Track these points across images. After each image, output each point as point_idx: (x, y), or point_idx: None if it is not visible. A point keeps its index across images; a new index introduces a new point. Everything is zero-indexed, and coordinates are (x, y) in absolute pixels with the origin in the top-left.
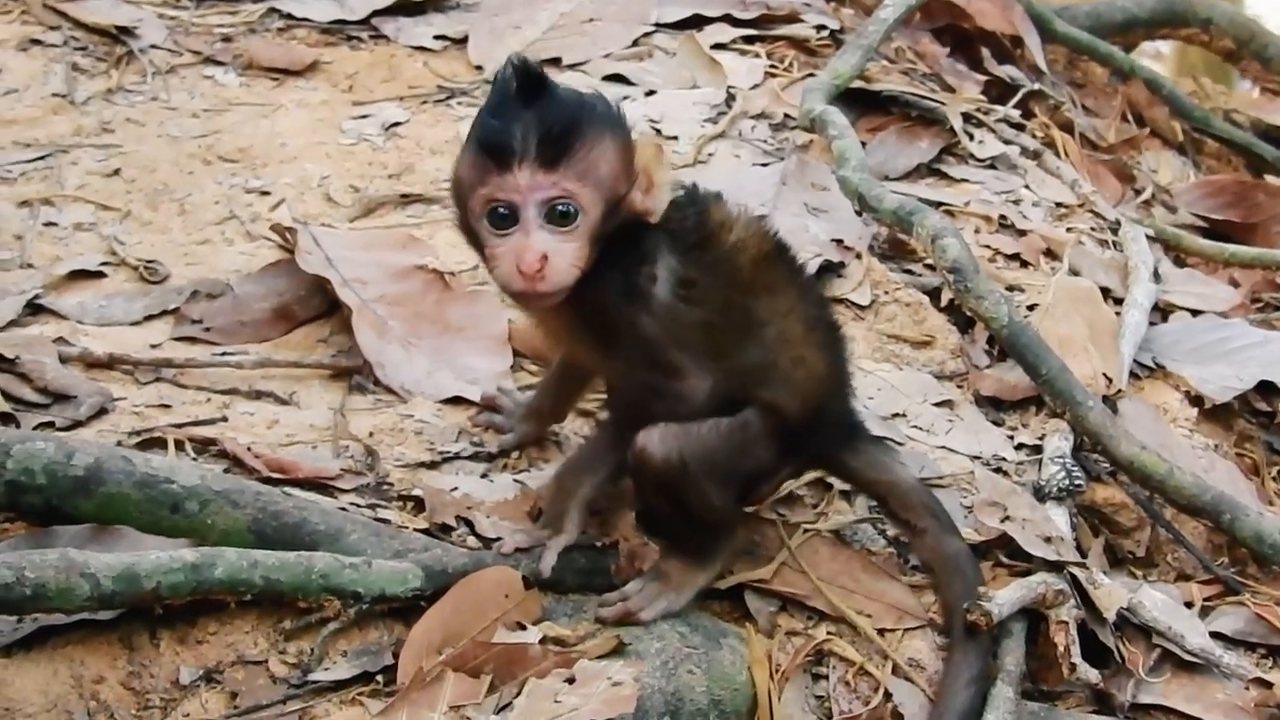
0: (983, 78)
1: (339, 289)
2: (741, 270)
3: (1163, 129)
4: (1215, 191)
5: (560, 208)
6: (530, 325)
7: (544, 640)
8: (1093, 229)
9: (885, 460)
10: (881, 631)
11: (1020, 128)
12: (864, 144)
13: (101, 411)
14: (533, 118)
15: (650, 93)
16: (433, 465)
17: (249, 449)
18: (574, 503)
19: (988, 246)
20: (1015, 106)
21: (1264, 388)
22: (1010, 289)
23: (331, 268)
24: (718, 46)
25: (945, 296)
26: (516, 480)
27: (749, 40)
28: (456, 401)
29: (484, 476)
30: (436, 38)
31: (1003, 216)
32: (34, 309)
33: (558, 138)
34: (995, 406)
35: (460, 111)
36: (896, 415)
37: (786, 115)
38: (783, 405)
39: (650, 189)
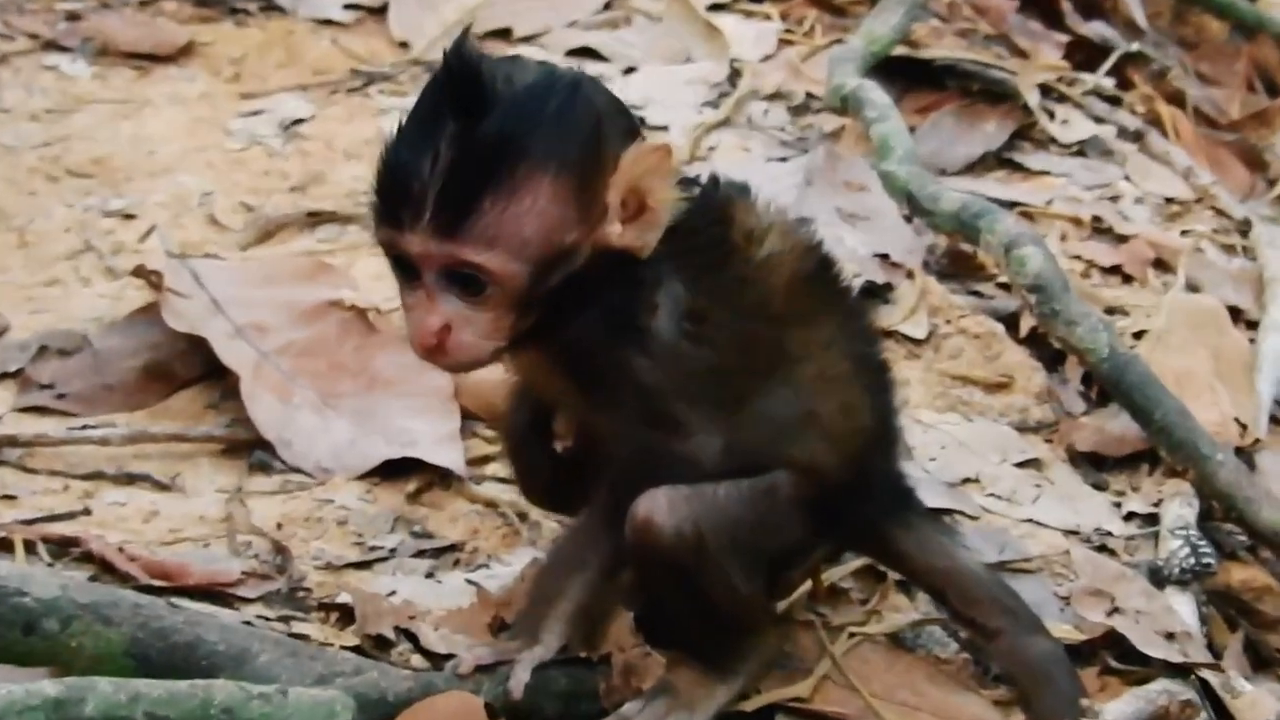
0: (1064, 38)
1: (224, 346)
2: (773, 295)
3: None
4: None
5: (464, 274)
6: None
7: None
8: (1215, 231)
9: (943, 541)
10: None
11: (1116, 102)
12: (911, 128)
13: None
14: (447, 152)
15: (629, 70)
16: (362, 564)
17: (120, 550)
18: (555, 610)
19: (1079, 257)
20: (1108, 75)
21: None
22: (1110, 311)
23: (219, 313)
24: (716, 7)
25: (1026, 324)
26: (470, 581)
27: None
28: (391, 476)
29: (429, 576)
30: (347, 8)
31: (1097, 218)
32: None
33: (462, 192)
34: (1095, 465)
35: (382, 102)
36: (967, 480)
37: (810, 94)
38: (819, 464)
39: (641, 215)
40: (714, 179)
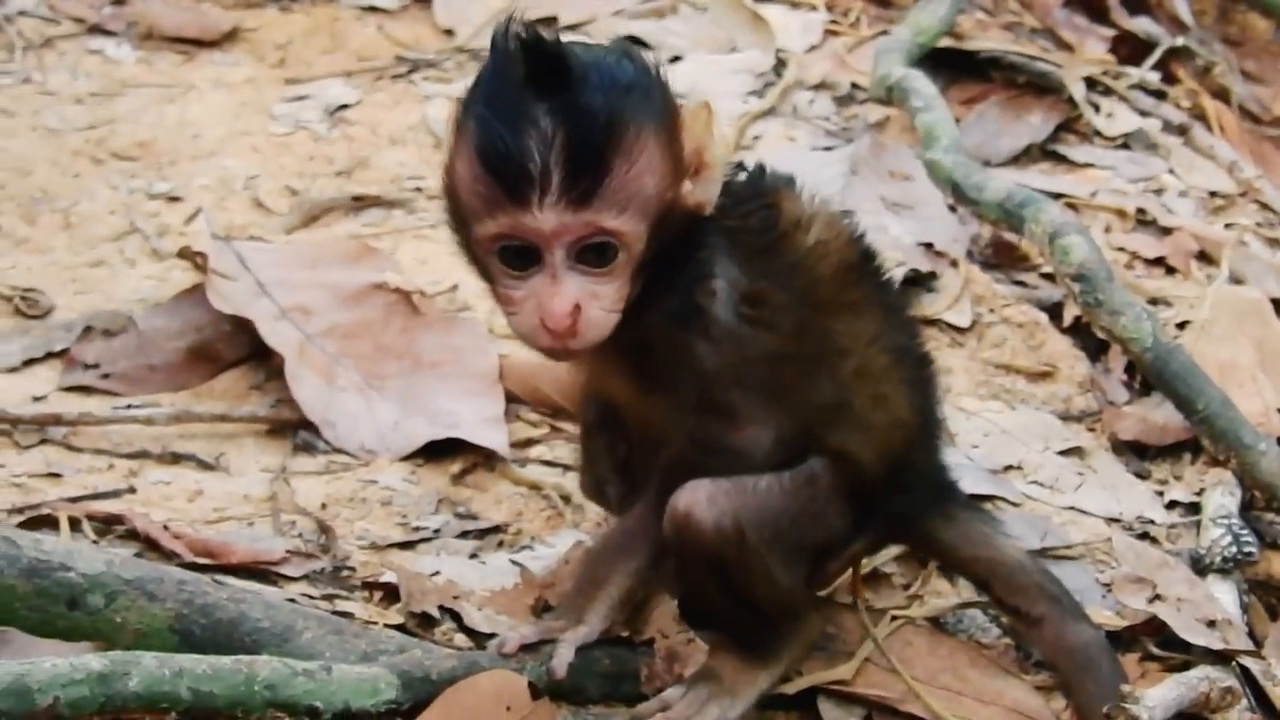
0: (1110, 33)
1: (269, 328)
2: (821, 282)
3: None
4: None
5: (597, 243)
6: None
7: None
8: (1259, 225)
9: (986, 531)
10: None
11: (1161, 96)
12: (957, 120)
13: None
14: (554, 126)
15: (675, 59)
16: (406, 544)
17: (165, 528)
18: (602, 594)
19: (1123, 249)
20: (1153, 69)
21: None
22: (1154, 302)
23: (264, 295)
24: None
25: (1069, 314)
26: (514, 562)
27: None
28: (435, 458)
29: (473, 557)
30: None
31: (1141, 210)
32: None
33: (592, 160)
34: (1138, 454)
35: (427, 89)
36: (1010, 468)
37: (855, 85)
38: (856, 454)
39: (700, 173)
40: (760, 166)
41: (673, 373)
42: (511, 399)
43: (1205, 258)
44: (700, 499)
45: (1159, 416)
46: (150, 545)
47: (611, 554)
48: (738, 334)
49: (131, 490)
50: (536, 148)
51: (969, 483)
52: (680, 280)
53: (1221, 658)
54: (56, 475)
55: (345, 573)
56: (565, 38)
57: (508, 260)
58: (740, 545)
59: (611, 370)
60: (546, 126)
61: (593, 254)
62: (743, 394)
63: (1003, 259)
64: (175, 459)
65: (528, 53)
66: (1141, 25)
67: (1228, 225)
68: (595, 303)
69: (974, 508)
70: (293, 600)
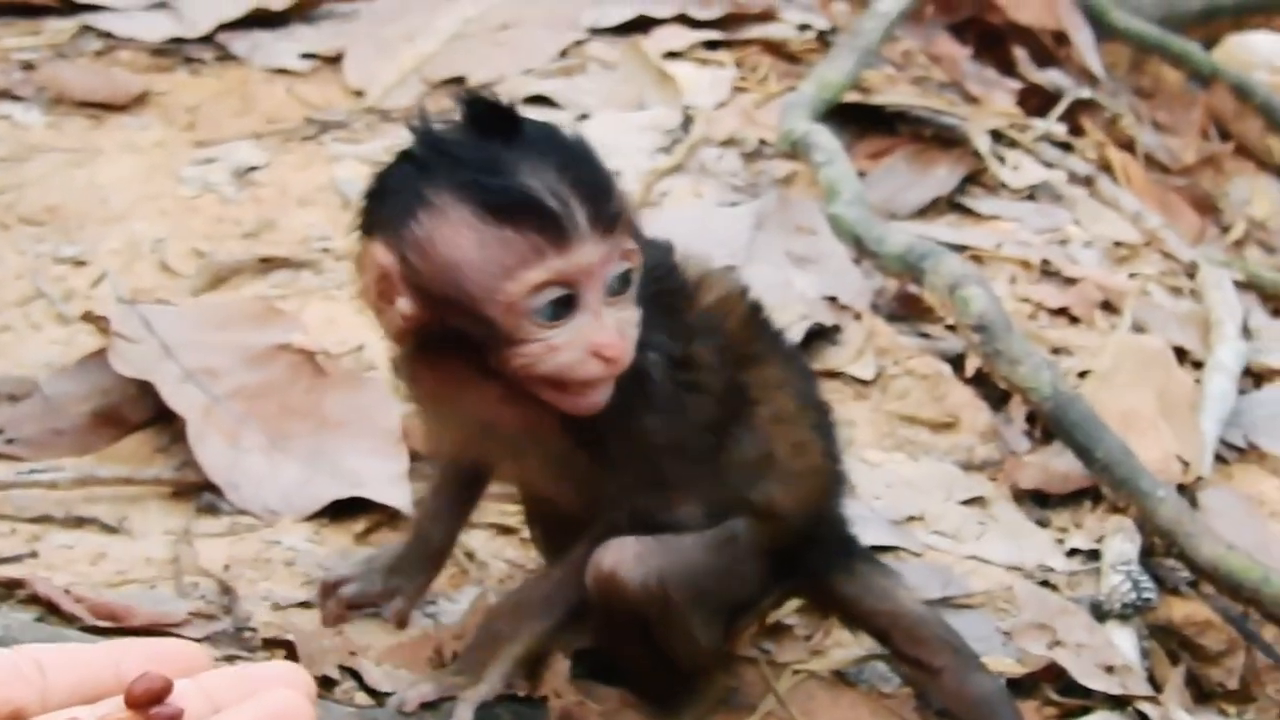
0: (1017, 85)
1: (173, 390)
2: (730, 338)
3: (1256, 148)
4: None
5: (625, 270)
6: (436, 424)
7: None
8: (1163, 274)
9: (886, 584)
10: None
11: (1067, 148)
12: (863, 173)
13: None
14: (550, 164)
15: (583, 116)
16: (309, 604)
17: (67, 591)
18: (504, 651)
19: (1027, 299)
20: (1060, 121)
21: None
22: (1056, 352)
23: (169, 358)
24: (671, 55)
25: (971, 365)
26: (425, 614)
27: (711, 46)
28: (339, 517)
29: (377, 615)
30: (303, 56)
31: (1045, 261)
32: None
33: (602, 186)
34: (1039, 503)
35: (336, 150)
36: (912, 519)
37: (762, 140)
38: (779, 507)
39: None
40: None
41: (618, 448)
42: (415, 458)
43: (1109, 307)
44: (626, 557)
45: (1060, 465)
46: (51, 609)
47: (519, 613)
48: (677, 401)
49: (34, 555)
50: (554, 191)
51: (872, 534)
52: None
53: (1120, 703)
54: None
55: (247, 633)
56: None
57: (548, 312)
58: (664, 604)
59: (541, 450)
60: (544, 167)
61: (620, 283)
62: (682, 465)
63: (907, 311)
64: (79, 522)
65: (477, 110)
66: (1050, 78)
67: (1131, 275)
68: (629, 325)
69: (874, 560)
70: None
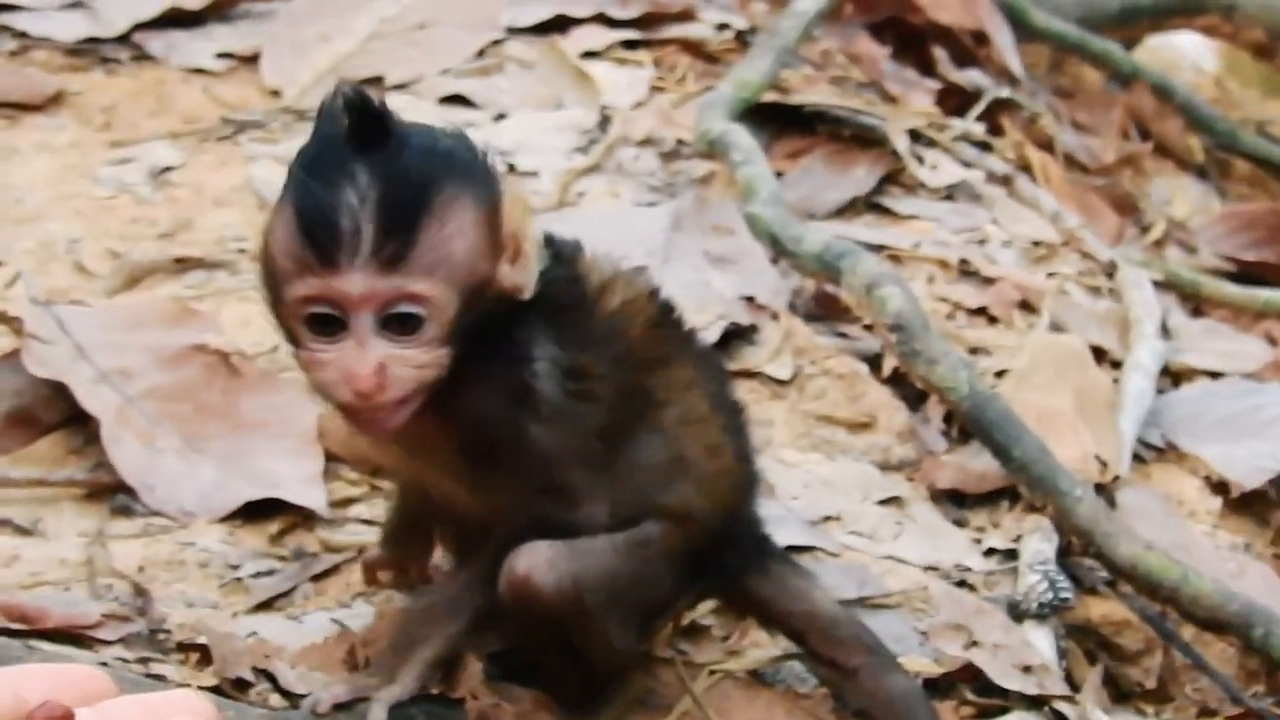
0: (936, 85)
1: (87, 391)
2: (634, 342)
3: (1176, 147)
4: (1246, 225)
5: (403, 312)
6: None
7: None
8: (1081, 274)
9: (801, 584)
10: None
11: (986, 148)
12: (781, 173)
13: None
14: (369, 185)
15: (500, 117)
16: (223, 606)
17: None
18: (418, 653)
19: (944, 299)
20: (979, 120)
21: None
22: (973, 351)
23: (83, 359)
24: (588, 55)
25: (889, 364)
26: (334, 620)
27: (629, 45)
28: (254, 518)
29: (292, 617)
30: (219, 56)
31: (964, 261)
32: None
33: (403, 221)
34: (956, 503)
35: (252, 150)
36: (829, 518)
37: (679, 140)
38: (692, 511)
39: (518, 259)
40: (550, 238)
41: (508, 458)
42: (331, 458)
43: (1027, 307)
44: (539, 562)
45: (977, 465)
46: None
47: (431, 614)
48: (567, 411)
49: None
50: (347, 208)
51: (788, 534)
52: (502, 364)
53: (1037, 703)
54: None
55: (161, 636)
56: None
57: (314, 327)
58: (579, 607)
59: (436, 459)
60: (358, 186)
61: (399, 322)
62: (578, 472)
63: (825, 311)
64: None
65: (351, 113)
66: (969, 78)
67: (1050, 274)
68: (402, 363)
69: (789, 561)
70: (106, 664)
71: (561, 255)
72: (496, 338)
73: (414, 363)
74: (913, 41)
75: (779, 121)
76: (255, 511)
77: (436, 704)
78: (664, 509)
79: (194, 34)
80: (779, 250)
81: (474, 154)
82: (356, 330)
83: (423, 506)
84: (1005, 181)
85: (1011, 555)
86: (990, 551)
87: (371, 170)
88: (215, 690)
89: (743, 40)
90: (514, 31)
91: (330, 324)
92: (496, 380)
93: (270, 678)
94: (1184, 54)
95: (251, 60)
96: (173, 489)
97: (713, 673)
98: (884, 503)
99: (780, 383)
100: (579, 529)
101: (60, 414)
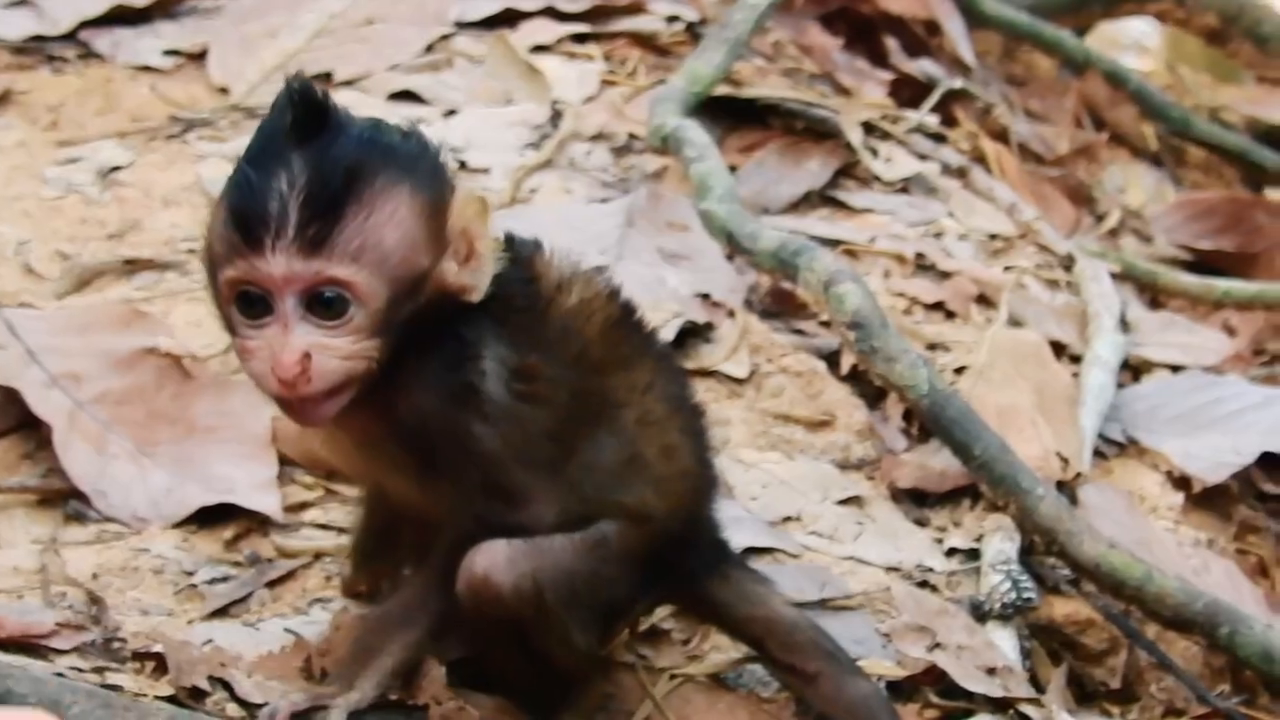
0: (889, 76)
1: (38, 396)
2: (591, 343)
3: (1130, 135)
4: (1202, 213)
5: (326, 296)
6: (313, 435)
7: None
8: (1039, 267)
9: (759, 589)
10: None
11: (940, 139)
12: (735, 168)
13: None
14: (300, 172)
15: (450, 113)
16: (178, 613)
17: None
18: (377, 661)
19: (902, 294)
20: (933, 112)
21: (1270, 461)
22: (931, 348)
23: (33, 363)
24: (538, 49)
25: (847, 362)
26: (289, 630)
27: (579, 39)
28: (208, 524)
29: (247, 624)
30: (167, 53)
31: (920, 255)
32: None
33: (325, 206)
34: (917, 502)
35: (201, 148)
36: (789, 519)
37: (631, 135)
38: (650, 511)
39: (470, 260)
40: (509, 237)
41: (451, 456)
42: (285, 462)
43: (985, 301)
44: (499, 561)
45: (937, 463)
46: None
47: (387, 623)
48: (513, 412)
49: None
50: (274, 193)
51: (748, 536)
52: (448, 362)
53: (1002, 705)
54: None
55: (116, 644)
56: (341, 94)
57: (244, 309)
58: (539, 605)
59: (386, 458)
60: (290, 172)
61: (323, 306)
62: (523, 472)
63: (781, 308)
64: None
65: (293, 105)
66: (922, 68)
67: (1007, 268)
68: (327, 353)
69: (745, 566)
70: (61, 674)
71: (519, 255)
72: (445, 335)
73: (340, 352)
74: (864, 31)
75: (732, 115)
76: (209, 517)
77: (396, 711)
78: (621, 509)
79: (140, 31)
80: (734, 247)
81: (421, 149)
82: (281, 314)
83: (388, 519)
84: (960, 174)
85: (974, 555)
86: (952, 551)
87: (305, 158)
88: (171, 700)
89: (693, 32)
90: (462, 26)
91: (258, 307)
92: (442, 378)
93: (227, 686)
94: (1133, 39)
95: (199, 58)
96: (125, 495)
97: (674, 677)
98: (844, 502)
99: (737, 381)
100: (524, 529)
101: (11, 419)
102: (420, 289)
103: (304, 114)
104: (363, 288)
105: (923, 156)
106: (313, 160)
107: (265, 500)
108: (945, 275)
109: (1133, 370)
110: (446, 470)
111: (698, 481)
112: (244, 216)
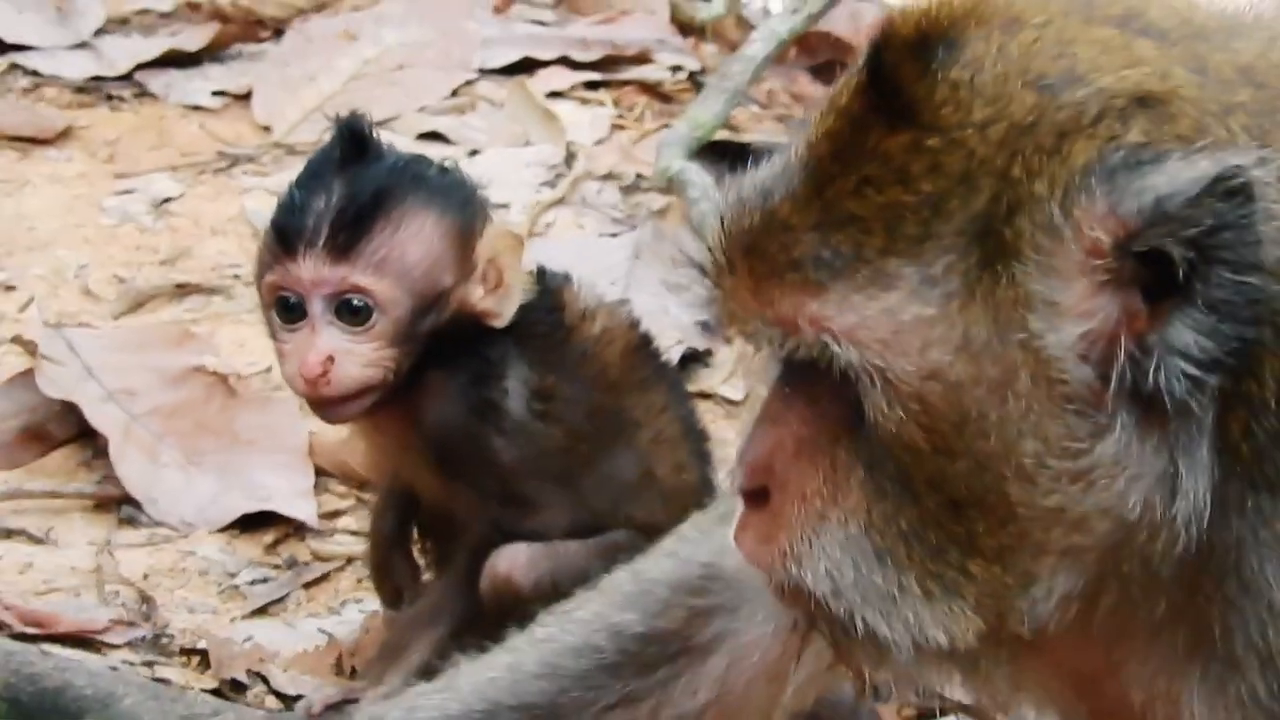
0: None
1: (95, 409)
2: (610, 367)
3: None
4: None
5: (353, 303)
6: (352, 439)
7: None
8: None
9: None
10: None
11: None
12: None
13: None
14: (338, 190)
15: (474, 152)
16: (222, 612)
17: None
18: (404, 659)
19: None
20: None
21: None
22: None
23: (91, 378)
24: (554, 95)
25: None
26: (322, 630)
27: (591, 86)
28: (249, 529)
29: (285, 623)
30: (215, 94)
31: None
32: None
33: (354, 219)
34: None
35: (246, 182)
36: None
37: (639, 175)
38: (657, 522)
39: (498, 287)
40: (540, 270)
41: (471, 465)
42: (321, 473)
43: None
44: (520, 562)
45: None
46: None
47: (414, 623)
48: (530, 429)
49: None
50: (312, 208)
51: None
52: (474, 379)
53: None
54: None
55: (165, 640)
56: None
57: (281, 313)
58: (557, 602)
59: (413, 460)
60: (328, 192)
61: (350, 312)
62: (538, 484)
63: None
64: (7, 534)
65: (340, 136)
66: None
67: None
68: (350, 358)
69: None
70: (114, 668)
71: (547, 286)
72: (472, 354)
73: (362, 359)
74: None
75: (730, 157)
76: (251, 523)
77: None
78: (632, 519)
79: (191, 74)
80: None
81: (455, 182)
82: (312, 316)
83: (399, 531)
84: None
85: None
86: None
87: (343, 180)
88: (214, 693)
89: (695, 81)
90: (485, 73)
91: (294, 312)
92: (467, 393)
93: (265, 680)
94: None
95: (244, 98)
96: (175, 501)
97: None
98: None
99: (733, 403)
100: (537, 535)
101: (70, 430)
102: (442, 306)
103: (348, 144)
104: (385, 296)
105: None
106: (349, 181)
107: (302, 507)
108: None
109: None
110: (466, 476)
111: (700, 498)
112: (283, 228)
